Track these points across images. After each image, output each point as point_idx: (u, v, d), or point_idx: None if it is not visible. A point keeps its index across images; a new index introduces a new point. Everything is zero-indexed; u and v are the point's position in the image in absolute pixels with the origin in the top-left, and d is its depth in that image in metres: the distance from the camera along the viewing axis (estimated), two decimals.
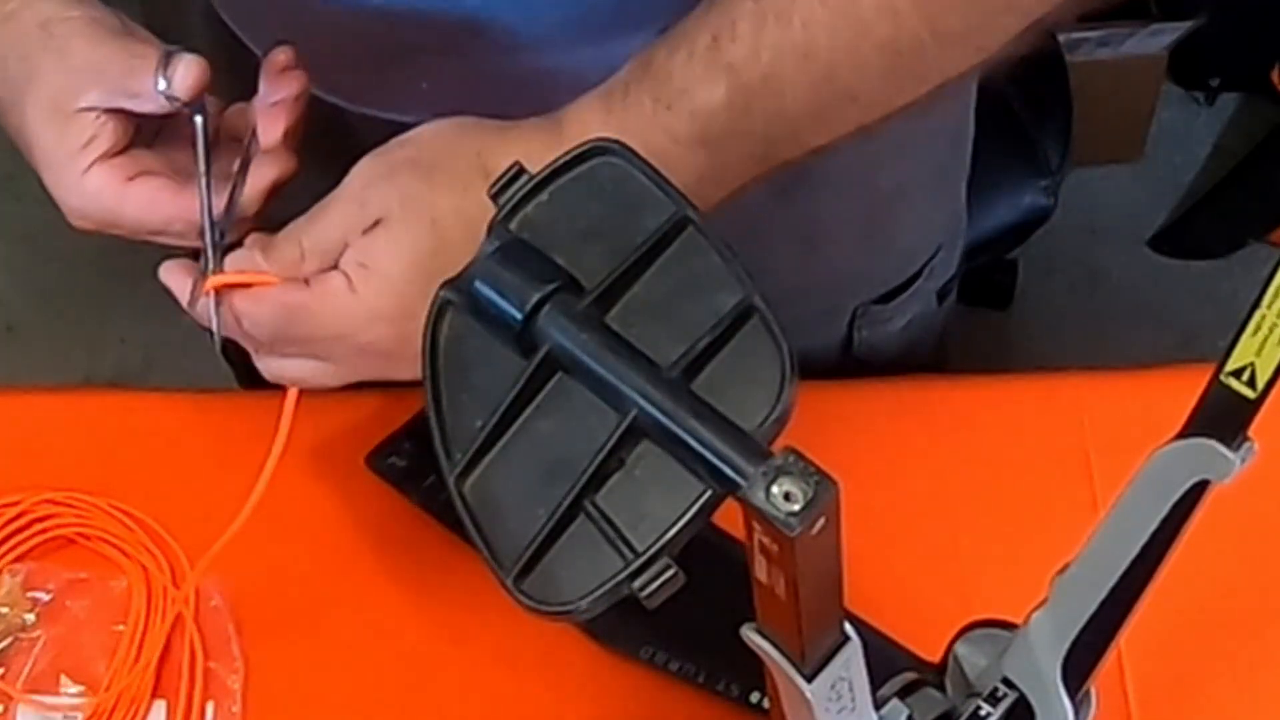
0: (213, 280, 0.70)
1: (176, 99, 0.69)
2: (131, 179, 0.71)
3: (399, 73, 0.77)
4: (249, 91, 0.88)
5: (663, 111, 0.66)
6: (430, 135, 0.70)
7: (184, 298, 0.72)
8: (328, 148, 0.89)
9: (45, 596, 0.87)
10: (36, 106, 0.70)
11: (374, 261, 0.67)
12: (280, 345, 0.71)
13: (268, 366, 0.73)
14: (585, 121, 0.67)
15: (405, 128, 0.80)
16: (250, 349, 0.73)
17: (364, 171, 0.70)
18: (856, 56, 0.66)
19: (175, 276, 0.72)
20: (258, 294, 0.69)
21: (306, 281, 0.69)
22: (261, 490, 0.73)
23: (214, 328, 0.71)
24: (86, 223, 0.72)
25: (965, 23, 0.66)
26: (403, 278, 0.67)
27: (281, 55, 0.73)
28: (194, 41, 0.90)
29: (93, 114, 0.69)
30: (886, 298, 1.01)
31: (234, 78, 0.88)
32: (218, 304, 0.71)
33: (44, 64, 0.70)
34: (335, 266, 0.69)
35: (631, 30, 0.69)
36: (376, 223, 0.68)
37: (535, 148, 0.66)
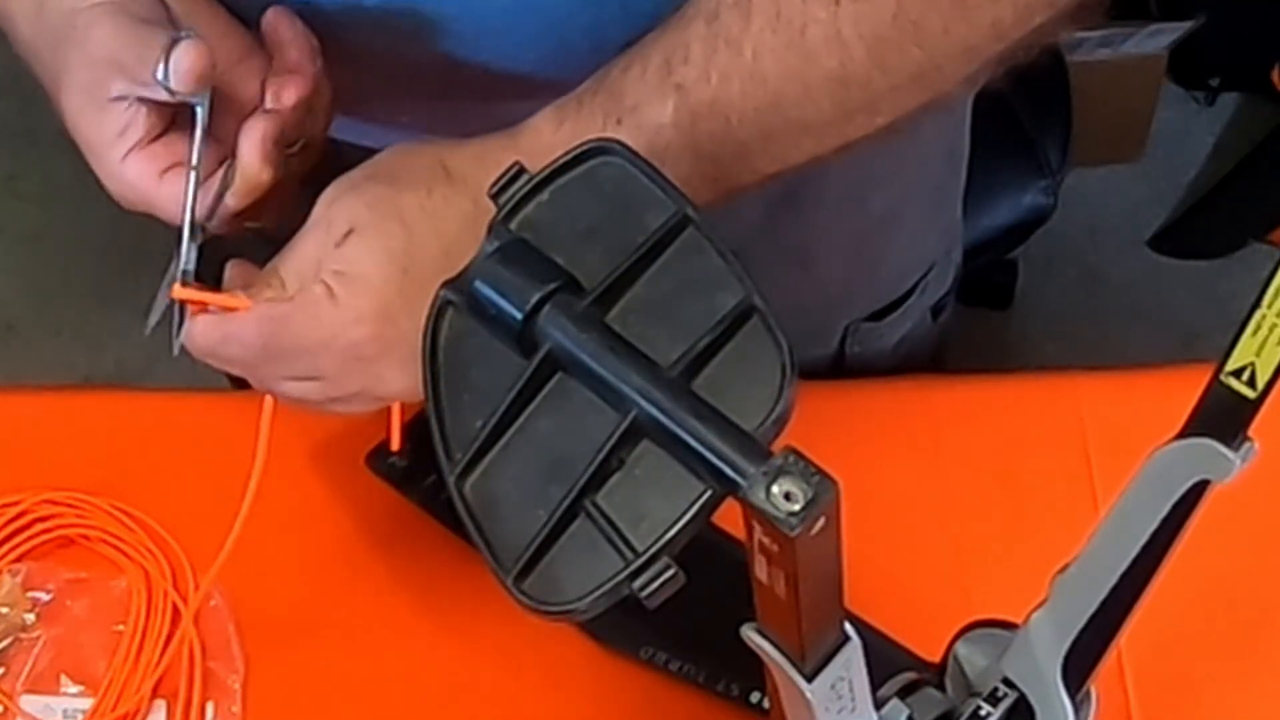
0: (179, 292, 0.70)
1: (175, 91, 0.68)
2: (165, 172, 0.70)
3: (376, 109, 0.78)
4: None
5: (613, 125, 0.67)
6: (389, 153, 0.71)
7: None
8: (325, 173, 0.89)
9: (45, 596, 0.87)
10: (70, 98, 0.70)
11: (349, 266, 0.68)
12: (269, 365, 0.71)
13: (263, 385, 0.73)
14: (540, 131, 0.69)
15: None
16: (244, 374, 0.73)
17: (328, 195, 0.71)
18: (804, 86, 0.66)
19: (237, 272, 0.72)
20: (242, 314, 0.69)
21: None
22: (250, 499, 0.73)
23: (173, 331, 0.71)
24: (131, 208, 0.72)
25: (913, 61, 0.66)
26: (379, 276, 0.68)
27: (270, 16, 0.72)
28: None
29: (124, 103, 0.69)
30: (878, 315, 1.01)
31: None
32: (181, 311, 0.70)
33: (71, 56, 0.70)
34: None
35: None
36: (348, 234, 0.68)
37: (491, 151, 0.67)
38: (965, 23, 0.65)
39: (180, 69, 0.67)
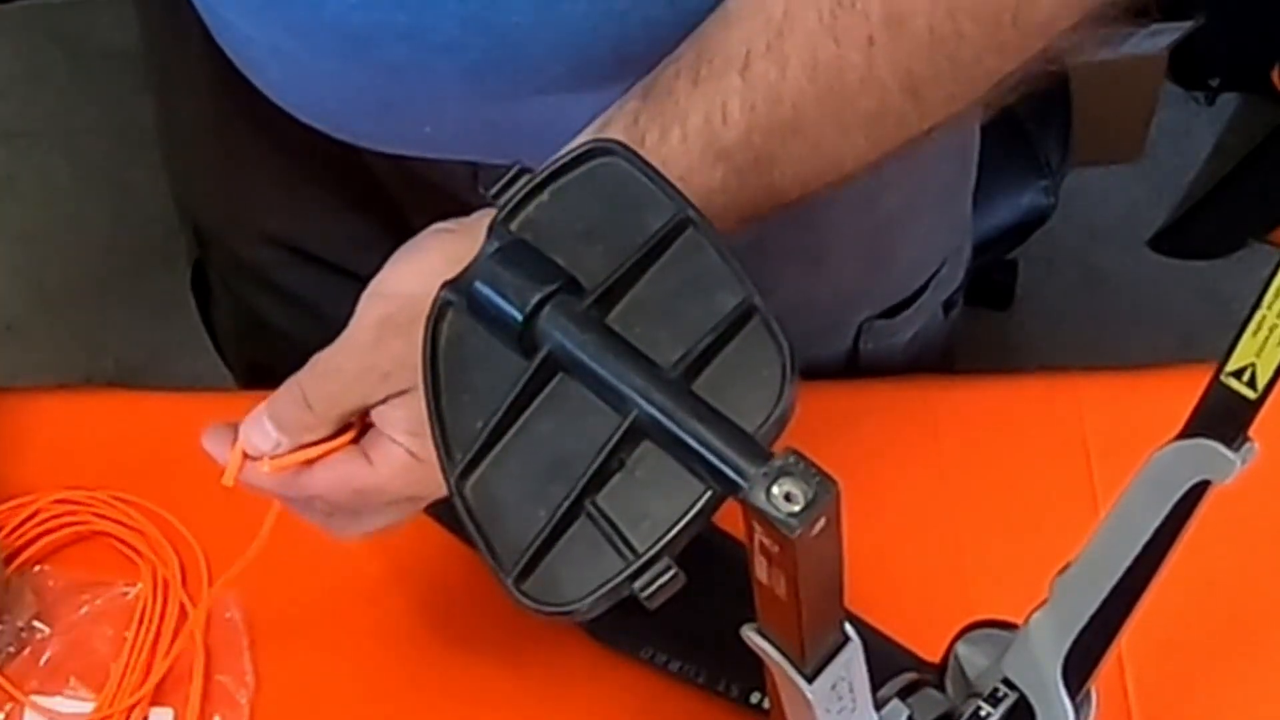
0: (273, 463, 0.69)
1: None
2: None
3: (401, 118, 0.78)
4: (246, 120, 0.88)
5: None
6: (420, 277, 0.66)
7: (227, 473, 0.71)
8: (340, 176, 0.89)
9: (53, 597, 0.87)
10: None
11: (423, 426, 0.63)
12: (351, 512, 0.72)
13: (343, 533, 0.73)
14: None
15: (413, 164, 0.80)
16: (317, 518, 0.73)
17: (369, 326, 0.68)
18: (842, 129, 0.66)
19: (216, 445, 0.72)
20: (327, 479, 0.69)
21: (357, 441, 0.69)
22: (264, 537, 0.74)
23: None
24: None
25: (946, 90, 0.66)
26: None
27: None
28: (193, 69, 0.90)
29: None
30: (891, 312, 1.01)
31: (233, 106, 0.88)
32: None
33: None
34: (367, 423, 0.69)
35: (629, 78, 0.70)
36: (406, 392, 0.67)
37: None
38: (995, 50, 0.65)
39: None
